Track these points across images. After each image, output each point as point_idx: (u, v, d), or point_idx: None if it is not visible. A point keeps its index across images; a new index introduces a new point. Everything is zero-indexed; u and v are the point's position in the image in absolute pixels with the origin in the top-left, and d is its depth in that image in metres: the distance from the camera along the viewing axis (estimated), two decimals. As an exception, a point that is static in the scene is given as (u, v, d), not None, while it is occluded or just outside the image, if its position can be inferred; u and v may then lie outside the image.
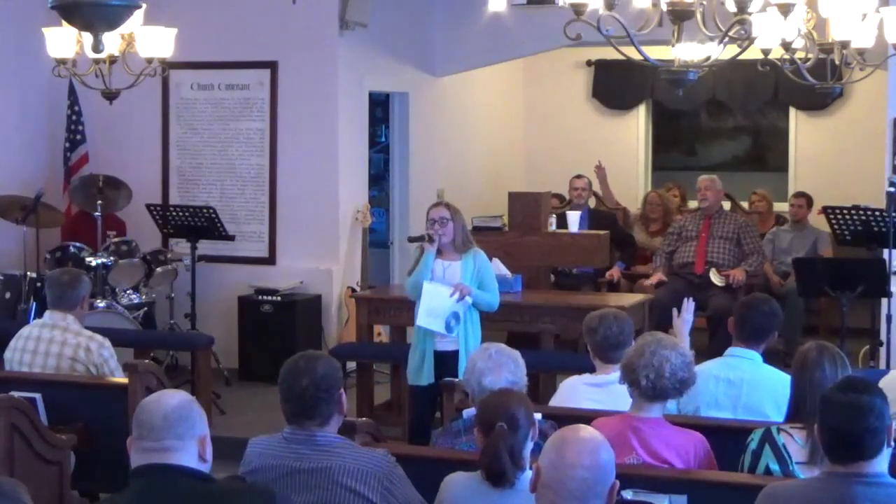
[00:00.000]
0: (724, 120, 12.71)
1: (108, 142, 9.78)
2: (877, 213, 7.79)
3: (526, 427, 3.77)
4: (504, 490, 3.68)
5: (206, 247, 9.03)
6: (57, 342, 5.97)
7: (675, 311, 5.54)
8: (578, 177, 10.35)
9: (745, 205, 11.24)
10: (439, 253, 6.65)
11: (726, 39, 4.05)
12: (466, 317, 6.58)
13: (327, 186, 9.44)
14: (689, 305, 5.52)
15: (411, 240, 7.03)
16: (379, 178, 11.80)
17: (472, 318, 6.63)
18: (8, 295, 8.47)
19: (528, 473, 3.53)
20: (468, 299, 6.53)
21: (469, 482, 3.77)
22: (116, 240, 8.93)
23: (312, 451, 3.78)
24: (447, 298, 6.50)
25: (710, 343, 8.46)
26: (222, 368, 9.02)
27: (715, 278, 9.04)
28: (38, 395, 5.68)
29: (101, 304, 8.38)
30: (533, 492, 3.18)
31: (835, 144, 11.88)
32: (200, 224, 8.81)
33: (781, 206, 11.13)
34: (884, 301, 7.70)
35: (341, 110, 9.46)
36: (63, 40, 6.36)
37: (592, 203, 10.79)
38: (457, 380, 5.51)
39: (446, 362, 6.55)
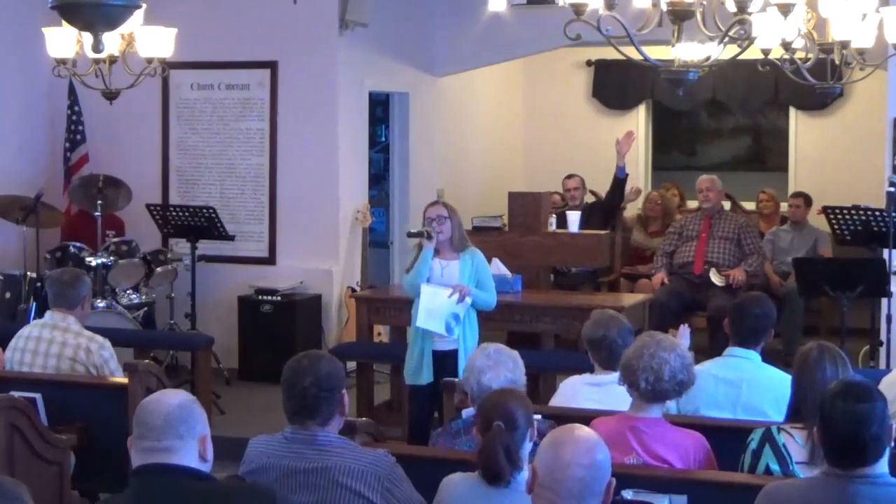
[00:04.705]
0: (724, 120, 12.71)
1: (108, 142, 9.78)
2: (877, 213, 7.79)
3: (524, 427, 3.78)
4: (501, 489, 3.68)
5: (206, 247, 9.03)
6: (57, 343, 5.96)
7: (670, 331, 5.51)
8: (570, 177, 10.24)
9: (745, 205, 11.24)
10: (437, 252, 6.63)
11: (726, 39, 4.05)
12: (465, 316, 6.57)
13: (327, 186, 9.44)
14: (684, 331, 5.50)
15: (410, 234, 7.01)
16: (379, 178, 11.79)
17: (470, 318, 6.62)
18: (8, 295, 8.46)
19: (525, 473, 3.53)
20: (468, 300, 6.53)
21: (467, 482, 3.77)
22: (116, 240, 8.92)
23: (313, 451, 3.78)
24: (446, 299, 6.50)
25: (710, 343, 8.44)
26: (222, 368, 9.01)
27: (715, 278, 9.03)
28: (38, 395, 5.67)
29: (101, 304, 8.38)
30: (530, 493, 3.18)
31: (835, 144, 11.88)
32: (200, 224, 8.81)
33: (782, 207, 11.13)
34: (884, 301, 7.69)
35: (341, 110, 9.45)
36: (63, 40, 6.36)
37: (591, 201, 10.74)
38: (456, 379, 5.51)
39: (445, 362, 6.53)
